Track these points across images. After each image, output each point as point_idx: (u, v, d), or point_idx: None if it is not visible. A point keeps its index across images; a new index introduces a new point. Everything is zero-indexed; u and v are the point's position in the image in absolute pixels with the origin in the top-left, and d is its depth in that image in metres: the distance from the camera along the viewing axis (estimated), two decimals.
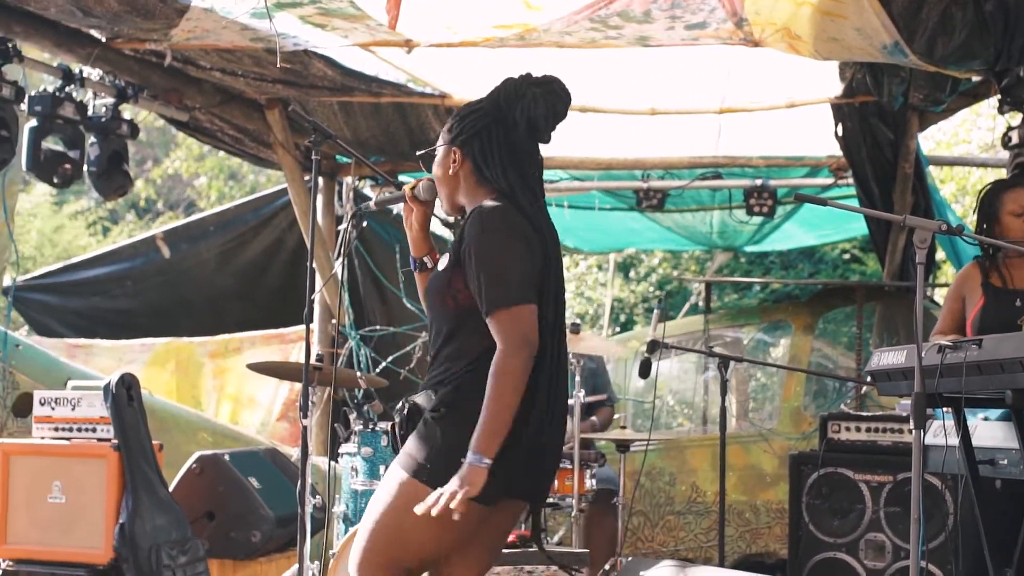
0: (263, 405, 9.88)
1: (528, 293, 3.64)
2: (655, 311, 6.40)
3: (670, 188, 8.74)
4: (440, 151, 3.87)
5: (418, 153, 4.11)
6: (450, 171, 3.83)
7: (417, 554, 3.74)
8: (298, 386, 9.04)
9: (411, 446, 3.72)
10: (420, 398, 3.79)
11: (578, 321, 6.25)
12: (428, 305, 3.88)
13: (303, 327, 5.20)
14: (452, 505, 3.47)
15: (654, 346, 6.14)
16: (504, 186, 3.74)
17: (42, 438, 6.32)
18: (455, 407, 3.67)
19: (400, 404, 3.80)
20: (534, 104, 3.78)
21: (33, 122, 6.66)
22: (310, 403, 5.15)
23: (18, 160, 6.77)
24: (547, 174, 8.69)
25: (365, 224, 9.01)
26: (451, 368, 3.72)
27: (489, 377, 3.57)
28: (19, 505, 6.22)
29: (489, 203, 3.71)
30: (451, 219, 4.37)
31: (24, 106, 6.56)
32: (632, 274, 16.55)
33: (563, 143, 8.88)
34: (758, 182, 8.51)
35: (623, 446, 6.14)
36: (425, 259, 4.02)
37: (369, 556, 3.77)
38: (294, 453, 7.43)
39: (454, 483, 3.51)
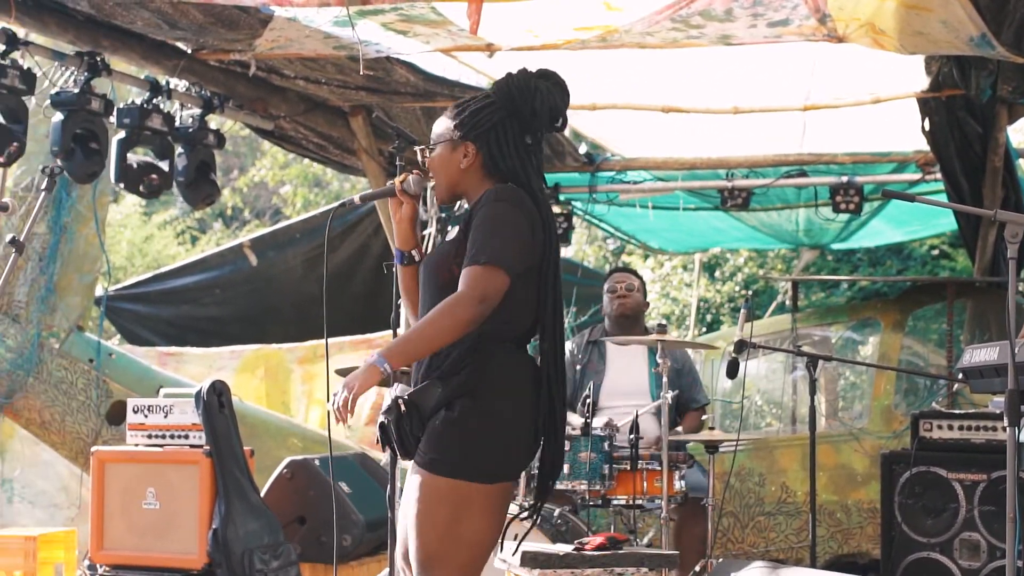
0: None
1: (512, 263, 3.71)
2: (742, 310, 6.34)
3: (755, 187, 8.67)
4: (445, 145, 3.93)
5: (418, 148, 4.14)
6: (462, 164, 3.89)
7: (480, 550, 3.75)
8: (385, 390, 9.13)
9: (439, 447, 3.69)
10: (421, 393, 3.75)
11: (664, 322, 6.23)
12: (424, 281, 3.93)
13: (390, 332, 5.23)
14: (345, 401, 3.57)
15: (741, 346, 6.11)
16: (523, 178, 3.85)
17: (136, 445, 6.43)
18: (473, 395, 3.70)
19: (391, 402, 3.76)
20: (549, 96, 3.88)
21: (122, 134, 6.74)
22: None
23: (108, 172, 6.87)
24: (631, 175, 8.78)
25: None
26: (455, 354, 3.74)
27: (437, 307, 3.65)
28: (115, 512, 6.33)
29: (504, 184, 3.83)
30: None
31: (113, 118, 6.66)
32: (718, 274, 16.46)
33: (646, 144, 8.93)
34: (844, 179, 8.41)
35: (712, 447, 6.11)
36: (413, 252, 4.07)
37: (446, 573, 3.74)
38: (383, 457, 7.48)
39: (349, 381, 3.60)
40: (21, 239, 4.03)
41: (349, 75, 7.09)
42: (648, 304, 7.16)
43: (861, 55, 6.47)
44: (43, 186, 4.22)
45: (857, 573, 7.25)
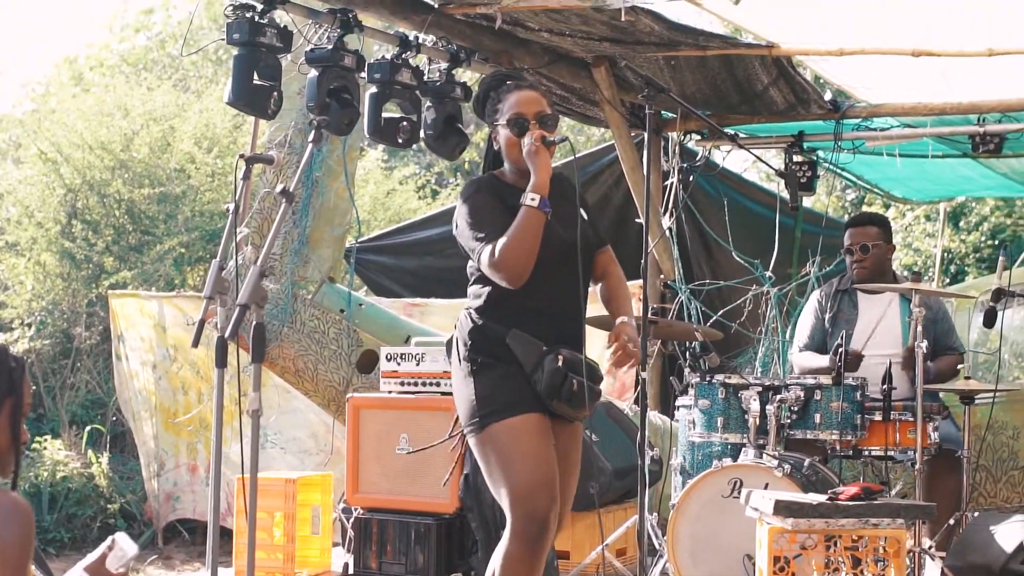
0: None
1: None
2: (1000, 257, 6.15)
3: (1008, 131, 8.38)
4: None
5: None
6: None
7: None
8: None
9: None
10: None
11: (918, 270, 6.11)
12: (562, 258, 4.57)
13: (633, 282, 5.25)
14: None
15: (999, 294, 5.95)
16: None
17: (389, 392, 6.60)
18: None
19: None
20: None
21: (373, 89, 6.88)
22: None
23: (357, 127, 7.02)
24: (877, 122, 8.57)
25: (691, 179, 9.01)
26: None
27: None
28: (369, 456, 6.53)
29: None
30: None
31: (364, 74, 6.80)
32: (962, 223, 16.01)
33: (894, 90, 8.69)
34: None
35: (967, 398, 5.97)
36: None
37: None
38: (624, 407, 7.53)
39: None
40: (291, 190, 4.17)
41: (593, 26, 7.09)
42: (894, 247, 6.98)
43: None
44: (311, 138, 4.36)
45: None
